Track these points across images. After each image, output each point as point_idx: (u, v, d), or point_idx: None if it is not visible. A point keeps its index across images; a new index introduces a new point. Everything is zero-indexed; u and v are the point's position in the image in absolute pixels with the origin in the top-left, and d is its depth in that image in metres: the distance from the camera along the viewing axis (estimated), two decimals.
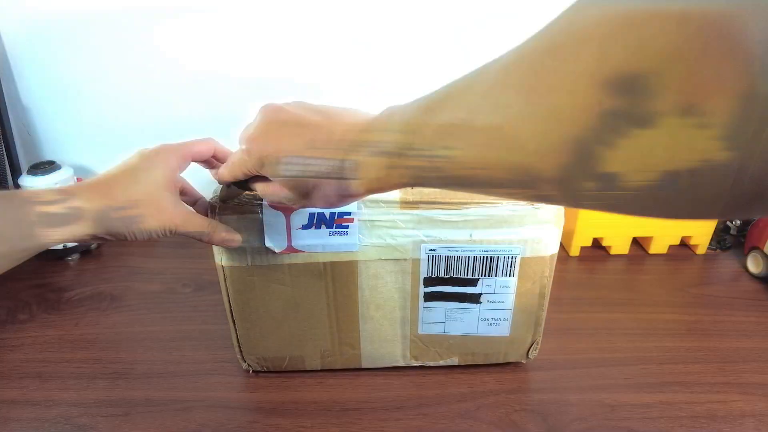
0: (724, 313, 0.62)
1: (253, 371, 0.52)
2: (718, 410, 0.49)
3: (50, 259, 0.70)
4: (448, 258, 0.46)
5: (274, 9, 0.66)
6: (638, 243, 0.76)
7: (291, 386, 0.51)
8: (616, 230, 0.72)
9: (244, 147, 0.34)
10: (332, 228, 0.44)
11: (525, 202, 0.44)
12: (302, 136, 0.31)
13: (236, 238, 0.42)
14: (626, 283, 0.68)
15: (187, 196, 0.44)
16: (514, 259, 0.46)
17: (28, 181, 0.65)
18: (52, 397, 0.49)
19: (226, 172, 0.38)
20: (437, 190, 0.44)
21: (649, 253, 0.74)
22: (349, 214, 0.43)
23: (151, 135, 0.73)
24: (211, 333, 0.57)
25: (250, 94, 0.71)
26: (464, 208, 0.44)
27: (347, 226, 0.44)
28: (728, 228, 0.76)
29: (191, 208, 0.43)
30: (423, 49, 0.69)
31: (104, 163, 0.76)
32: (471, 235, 0.45)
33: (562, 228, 0.46)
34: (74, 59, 0.68)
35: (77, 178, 0.70)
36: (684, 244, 0.76)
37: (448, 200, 0.44)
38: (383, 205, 0.43)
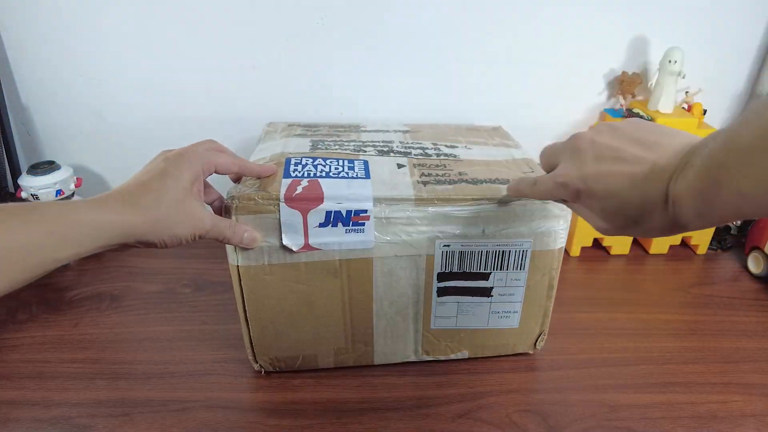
0: (724, 313, 0.62)
1: (265, 372, 0.52)
2: (719, 410, 0.49)
3: None
4: (461, 253, 0.46)
5: (281, 6, 0.66)
6: (638, 243, 0.76)
7: (291, 387, 0.51)
8: None
9: (560, 180, 0.34)
10: (349, 225, 0.44)
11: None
12: (620, 172, 0.30)
13: (256, 237, 0.43)
14: (627, 283, 0.68)
15: (205, 195, 0.45)
16: (524, 252, 0.47)
17: (27, 181, 0.65)
18: (52, 398, 0.49)
19: (533, 195, 0.39)
20: (450, 187, 0.45)
21: (649, 253, 0.74)
22: (365, 211, 0.43)
23: (151, 135, 0.73)
24: (211, 333, 0.57)
25: (252, 95, 0.71)
26: (477, 204, 0.44)
27: (363, 224, 0.44)
28: (729, 228, 0.76)
29: (210, 209, 0.43)
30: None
31: (104, 163, 0.76)
32: (484, 231, 0.45)
33: (569, 222, 0.47)
34: (74, 59, 0.68)
35: (77, 178, 0.70)
36: (684, 244, 0.76)
37: (461, 196, 0.44)
38: (398, 202, 0.44)
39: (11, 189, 0.71)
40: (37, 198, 0.66)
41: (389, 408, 0.48)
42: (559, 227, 0.46)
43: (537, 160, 0.53)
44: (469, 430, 0.46)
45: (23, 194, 0.66)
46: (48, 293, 0.64)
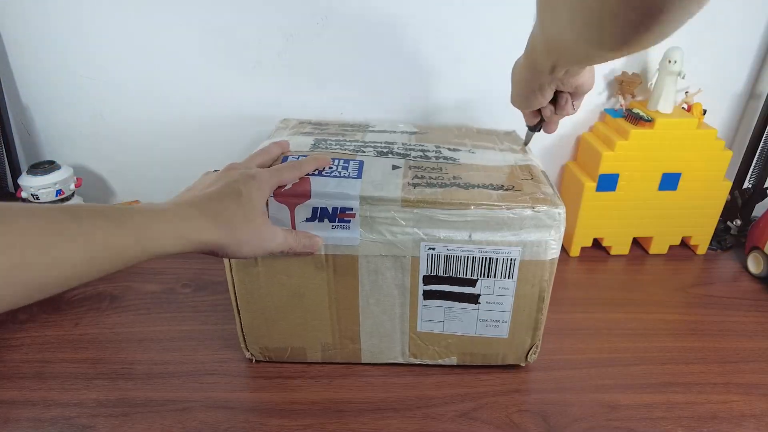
0: (724, 313, 0.62)
1: (256, 361, 0.53)
2: (719, 411, 0.49)
3: None
4: (447, 257, 0.46)
5: (282, 4, 0.66)
6: (638, 243, 0.76)
7: (291, 386, 0.51)
8: (617, 230, 0.72)
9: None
10: (335, 222, 0.45)
11: (525, 206, 0.44)
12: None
13: (316, 242, 0.45)
14: (626, 283, 0.68)
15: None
16: (512, 261, 0.46)
17: (27, 181, 0.65)
18: (52, 398, 0.49)
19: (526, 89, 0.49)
20: (439, 190, 0.45)
21: (649, 254, 0.74)
22: (351, 209, 0.44)
23: (152, 135, 0.73)
24: (211, 333, 0.57)
25: (253, 95, 0.71)
26: (464, 209, 0.44)
27: (349, 221, 0.45)
28: (729, 228, 0.76)
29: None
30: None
31: (104, 163, 0.76)
32: (470, 236, 0.45)
33: (563, 233, 0.46)
34: (74, 59, 0.68)
35: (77, 178, 0.70)
36: (684, 244, 0.76)
37: (448, 201, 0.44)
38: (385, 202, 0.44)
39: (11, 189, 0.71)
40: (37, 198, 0.66)
41: (389, 408, 0.48)
42: (551, 238, 0.45)
43: (542, 167, 0.53)
44: (469, 430, 0.46)
45: (23, 194, 0.66)
46: None
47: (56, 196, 0.67)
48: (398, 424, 0.47)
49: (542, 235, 0.45)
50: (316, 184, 0.44)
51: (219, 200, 0.38)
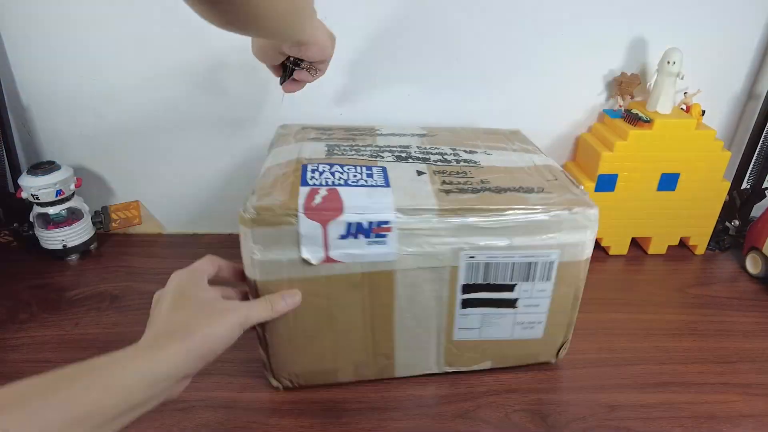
0: (723, 313, 0.62)
1: (284, 388, 0.50)
2: (717, 410, 0.49)
3: (50, 259, 0.70)
4: (487, 265, 0.45)
5: None
6: (637, 243, 0.76)
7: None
8: (615, 230, 0.72)
9: None
10: (370, 237, 0.42)
11: (562, 208, 0.44)
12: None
13: (296, 299, 0.43)
14: (625, 283, 0.68)
15: (226, 275, 0.46)
16: (551, 264, 0.46)
17: (28, 181, 0.66)
18: None
19: None
20: (473, 196, 0.44)
21: (648, 254, 0.74)
22: (387, 222, 0.42)
23: (152, 135, 0.73)
24: None
25: (253, 95, 0.71)
26: (503, 215, 0.43)
27: (385, 236, 0.42)
28: (727, 228, 0.76)
29: (233, 297, 0.44)
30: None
31: (104, 163, 0.76)
32: (510, 242, 0.44)
33: (596, 232, 0.46)
34: (74, 59, 0.68)
35: (77, 178, 0.70)
36: (683, 244, 0.76)
37: (486, 207, 0.43)
38: (422, 213, 0.42)
39: (11, 189, 0.71)
40: (37, 198, 0.66)
41: (389, 408, 0.48)
42: (587, 238, 0.45)
43: (557, 165, 0.52)
44: (468, 430, 0.46)
45: (23, 194, 0.66)
46: (48, 293, 0.64)
47: (56, 196, 0.67)
48: (398, 424, 0.47)
49: (579, 236, 0.45)
50: (347, 196, 0.42)
51: (168, 314, 0.39)
